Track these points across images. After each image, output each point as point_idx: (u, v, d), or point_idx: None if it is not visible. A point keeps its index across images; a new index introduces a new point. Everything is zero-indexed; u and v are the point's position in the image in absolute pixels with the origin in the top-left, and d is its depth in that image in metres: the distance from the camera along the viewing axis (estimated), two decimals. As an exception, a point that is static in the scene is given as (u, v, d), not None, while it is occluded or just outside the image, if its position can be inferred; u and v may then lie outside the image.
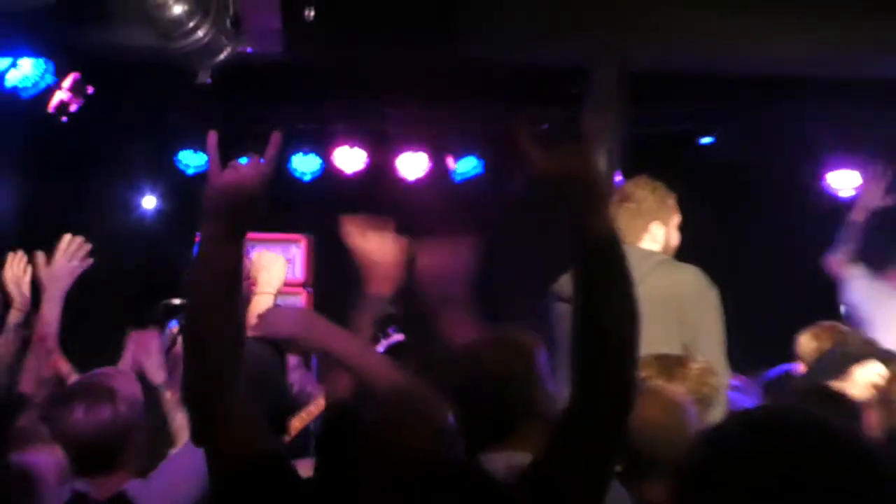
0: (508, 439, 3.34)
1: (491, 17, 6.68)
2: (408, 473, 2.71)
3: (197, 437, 3.07)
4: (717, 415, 4.38)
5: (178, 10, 6.01)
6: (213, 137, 3.07)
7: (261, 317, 3.73)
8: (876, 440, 4.06)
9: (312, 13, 6.21)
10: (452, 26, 6.68)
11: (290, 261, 8.07)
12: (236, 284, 2.97)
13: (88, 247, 5.19)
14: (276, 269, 5.03)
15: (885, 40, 6.84)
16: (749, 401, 5.50)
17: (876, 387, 5.00)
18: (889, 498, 1.92)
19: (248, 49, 6.23)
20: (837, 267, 7.05)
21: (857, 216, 7.19)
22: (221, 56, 6.18)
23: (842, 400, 4.40)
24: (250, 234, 3.11)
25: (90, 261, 5.21)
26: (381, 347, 6.93)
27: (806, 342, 6.02)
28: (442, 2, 6.63)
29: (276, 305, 4.88)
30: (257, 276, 4.98)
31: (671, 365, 4.26)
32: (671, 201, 5.49)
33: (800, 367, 6.15)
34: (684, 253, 5.55)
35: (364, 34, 6.80)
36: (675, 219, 5.47)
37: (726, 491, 1.92)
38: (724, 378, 5.18)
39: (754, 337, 7.01)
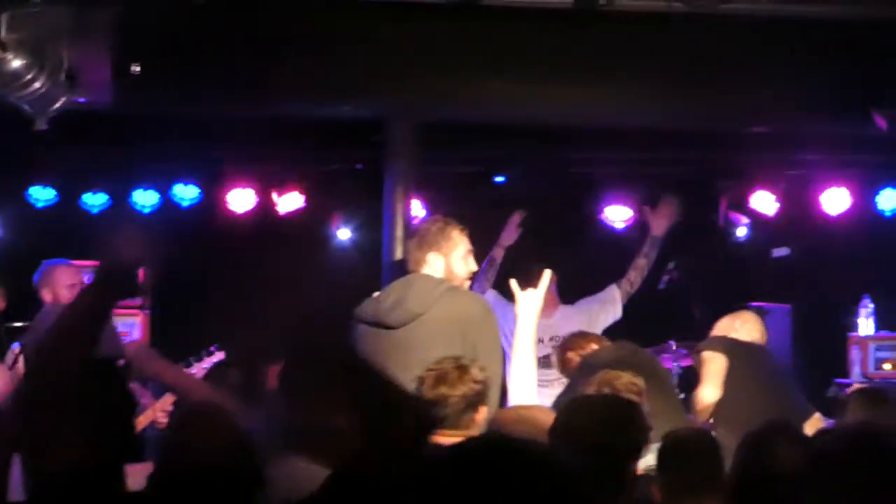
0: None
1: (305, 76, 6.73)
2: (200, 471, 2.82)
3: (24, 449, 3.04)
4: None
5: (16, 63, 5.90)
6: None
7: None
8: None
9: (138, 68, 6.13)
10: (271, 84, 6.71)
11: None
12: (97, 337, 3.04)
13: None
14: None
15: (646, 96, 7.01)
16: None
17: None
18: None
19: (81, 99, 6.15)
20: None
21: (497, 254, 7.70)
22: (57, 105, 6.08)
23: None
24: (88, 262, 3.16)
25: None
26: (204, 364, 6.93)
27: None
28: (260, 64, 6.62)
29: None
30: None
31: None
32: (455, 234, 5.52)
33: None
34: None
35: (187, 88, 6.78)
36: (459, 250, 5.51)
37: None
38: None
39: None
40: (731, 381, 6.10)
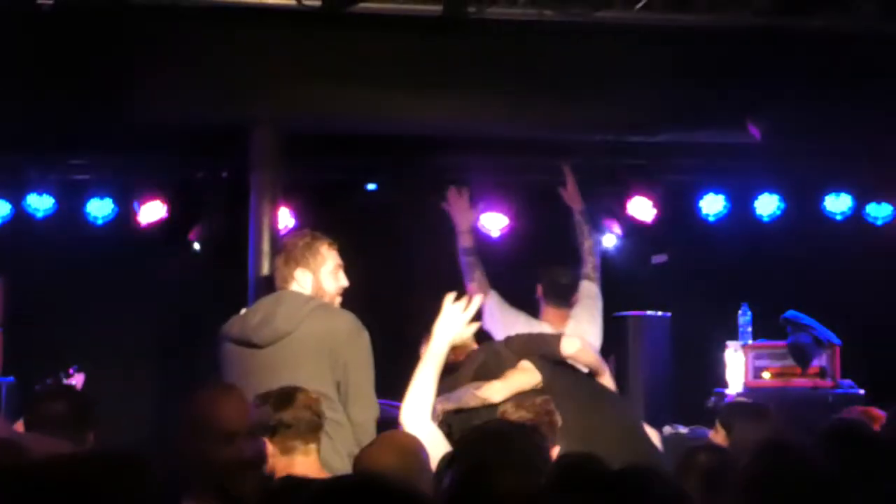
0: None
1: (166, 83, 6.78)
2: None
3: None
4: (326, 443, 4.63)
5: None
6: None
7: None
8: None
9: None
10: (131, 91, 6.76)
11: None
12: None
13: None
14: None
15: (518, 105, 7.19)
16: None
17: None
18: None
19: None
20: (475, 294, 7.08)
21: (465, 242, 7.36)
22: None
23: None
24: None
25: None
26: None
27: None
28: (119, 70, 6.65)
29: None
30: None
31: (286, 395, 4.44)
32: (324, 249, 5.51)
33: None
34: (351, 287, 5.61)
35: (40, 95, 6.80)
36: (328, 265, 5.50)
37: None
38: (374, 411, 5.24)
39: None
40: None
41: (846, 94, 7.11)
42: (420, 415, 4.82)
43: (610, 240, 9.08)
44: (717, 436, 5.39)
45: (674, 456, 5.05)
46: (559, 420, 4.75)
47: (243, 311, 5.53)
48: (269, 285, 5.83)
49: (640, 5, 6.37)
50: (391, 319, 7.27)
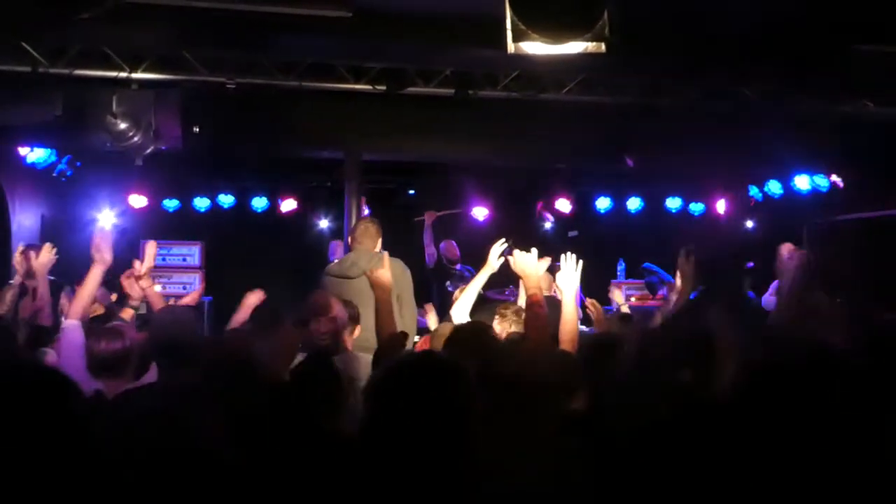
0: None
1: (300, 132, 6.67)
2: None
3: None
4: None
5: (122, 126, 5.85)
6: None
7: None
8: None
9: (197, 128, 6.12)
10: (278, 131, 6.63)
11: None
12: None
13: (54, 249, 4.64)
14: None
15: (496, 146, 6.95)
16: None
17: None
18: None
19: (164, 147, 6.08)
20: None
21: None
22: (148, 150, 6.03)
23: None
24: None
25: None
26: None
27: None
28: (273, 126, 6.52)
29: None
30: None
31: None
32: (379, 228, 5.42)
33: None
34: (401, 251, 5.57)
35: (227, 141, 6.73)
36: (379, 235, 5.42)
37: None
38: (414, 312, 5.17)
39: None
40: None
41: (676, 142, 6.86)
42: (463, 312, 4.64)
43: (547, 224, 8.94)
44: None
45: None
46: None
47: (337, 259, 5.43)
48: (352, 245, 5.76)
49: (565, 90, 6.30)
50: (420, 265, 7.23)
